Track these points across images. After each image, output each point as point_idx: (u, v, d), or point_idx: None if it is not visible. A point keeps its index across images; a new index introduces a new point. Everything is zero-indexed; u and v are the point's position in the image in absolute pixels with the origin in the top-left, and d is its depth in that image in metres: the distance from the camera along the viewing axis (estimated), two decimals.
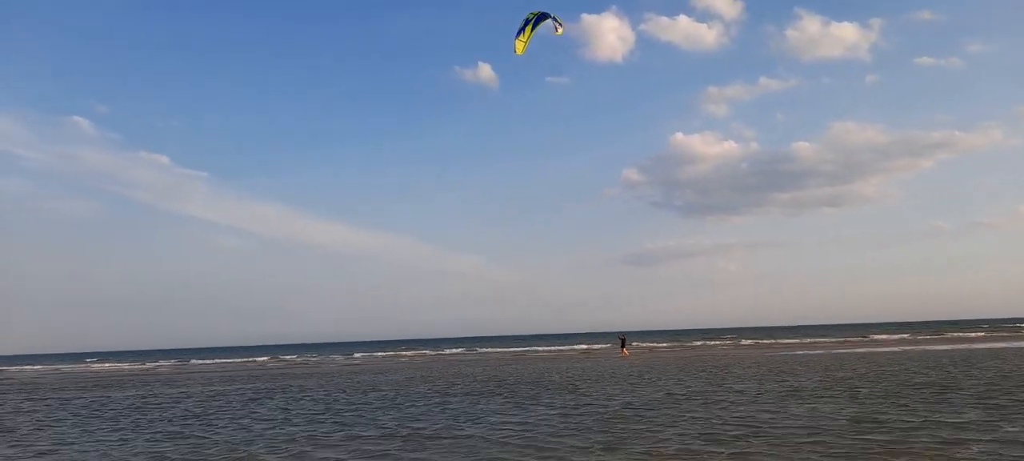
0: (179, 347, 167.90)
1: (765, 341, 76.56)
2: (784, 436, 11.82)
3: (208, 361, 77.34)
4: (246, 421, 16.97)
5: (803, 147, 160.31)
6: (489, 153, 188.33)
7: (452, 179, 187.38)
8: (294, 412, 18.60)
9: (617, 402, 17.88)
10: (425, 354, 73.33)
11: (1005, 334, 68.97)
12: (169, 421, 17.68)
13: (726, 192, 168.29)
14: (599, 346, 75.07)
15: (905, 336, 75.44)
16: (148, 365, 72.10)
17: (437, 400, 20.11)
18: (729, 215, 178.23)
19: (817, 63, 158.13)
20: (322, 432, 14.53)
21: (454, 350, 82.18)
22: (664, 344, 78.05)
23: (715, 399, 17.76)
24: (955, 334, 76.03)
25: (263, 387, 29.09)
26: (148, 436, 15.07)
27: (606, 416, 15.26)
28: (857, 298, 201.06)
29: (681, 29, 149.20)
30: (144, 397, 26.05)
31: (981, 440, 10.78)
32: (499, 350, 77.36)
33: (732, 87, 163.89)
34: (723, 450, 10.83)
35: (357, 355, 79.55)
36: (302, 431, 14.78)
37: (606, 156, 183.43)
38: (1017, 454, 9.72)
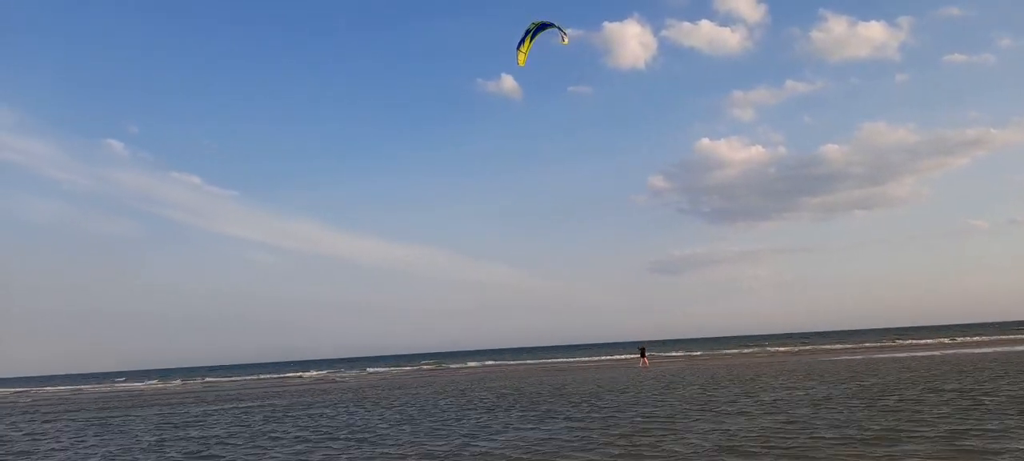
0: (209, 364, 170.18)
1: (796, 347, 75.05)
2: (807, 447, 11.35)
3: (246, 378, 78.11)
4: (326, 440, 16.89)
5: (832, 150, 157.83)
6: (514, 164, 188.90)
7: (478, 191, 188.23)
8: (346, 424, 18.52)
9: (632, 412, 17.46)
10: (455, 368, 73.21)
11: None
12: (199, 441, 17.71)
13: (754, 197, 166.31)
14: (630, 356, 74.25)
15: (944, 340, 73.40)
16: (179, 382, 73.08)
17: (455, 413, 19.87)
18: (757, 221, 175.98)
19: (844, 64, 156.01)
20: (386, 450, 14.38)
21: (478, 363, 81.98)
22: (695, 352, 76.98)
23: (742, 409, 17.26)
24: (996, 337, 73.74)
25: (312, 400, 29.16)
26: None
27: (625, 429, 14.88)
28: (892, 301, 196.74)
29: (704, 34, 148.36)
30: (178, 414, 26.26)
31: (1018, 450, 10.22)
32: (524, 362, 76.98)
33: (757, 91, 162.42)
34: None
35: (372, 369, 79.74)
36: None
37: (631, 164, 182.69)
38: None
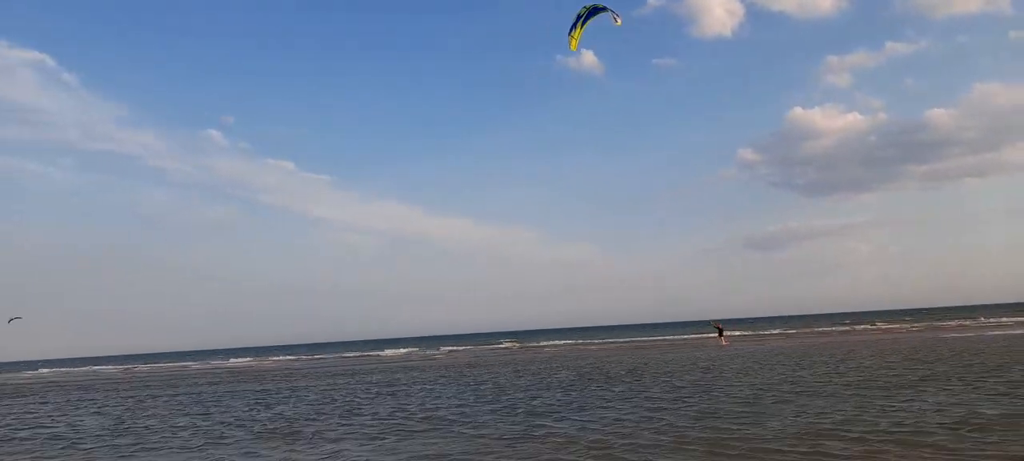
0: (306, 342, 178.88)
1: (901, 325, 70.75)
2: (903, 436, 10.62)
3: (343, 355, 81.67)
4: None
5: (939, 114, 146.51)
6: (598, 140, 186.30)
7: (561, 169, 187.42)
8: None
9: (710, 394, 16.94)
10: (543, 345, 73.68)
11: None
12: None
13: (852, 168, 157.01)
14: (711, 335, 72.25)
15: None
16: (285, 359, 77.23)
17: (533, 391, 19.95)
18: (857, 192, 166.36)
19: (951, 20, 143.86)
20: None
21: (567, 341, 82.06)
22: (790, 330, 74.03)
23: (832, 391, 16.40)
24: None
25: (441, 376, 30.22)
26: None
27: (696, 411, 14.47)
28: (1010, 274, 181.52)
29: None
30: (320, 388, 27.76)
31: None
32: (609, 341, 76.40)
33: (854, 54, 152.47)
34: (802, 447, 9.88)
35: (452, 348, 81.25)
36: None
37: (719, 137, 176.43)
38: None
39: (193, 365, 77.63)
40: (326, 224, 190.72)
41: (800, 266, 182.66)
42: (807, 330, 70.40)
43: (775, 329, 77.38)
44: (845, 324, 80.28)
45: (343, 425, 15.78)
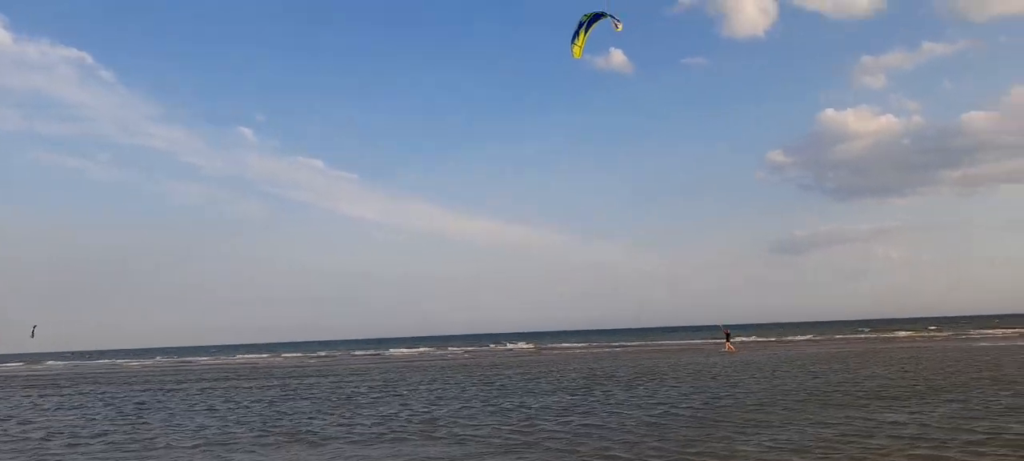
0: (321, 339, 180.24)
1: (926, 333, 69.25)
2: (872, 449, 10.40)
3: (364, 353, 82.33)
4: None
5: (977, 117, 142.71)
6: (627, 141, 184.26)
7: (589, 170, 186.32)
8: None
9: (696, 401, 16.76)
10: (566, 347, 73.55)
11: None
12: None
13: (885, 172, 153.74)
14: (738, 340, 71.45)
15: None
16: (299, 355, 78.07)
17: (542, 397, 19.92)
18: (889, 196, 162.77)
19: (992, 21, 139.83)
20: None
21: (584, 343, 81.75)
22: (810, 336, 72.91)
23: (839, 402, 16.14)
24: None
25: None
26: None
27: (693, 417, 14.32)
28: None
29: None
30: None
31: None
32: (626, 344, 75.94)
33: (890, 55, 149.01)
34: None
35: (469, 348, 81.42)
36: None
37: (749, 138, 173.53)
38: None
39: (204, 360, 78.91)
40: (355, 221, 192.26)
41: (829, 272, 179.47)
42: (834, 337, 69.20)
43: (799, 336, 76.29)
44: (869, 331, 78.85)
45: (343, 424, 15.91)
